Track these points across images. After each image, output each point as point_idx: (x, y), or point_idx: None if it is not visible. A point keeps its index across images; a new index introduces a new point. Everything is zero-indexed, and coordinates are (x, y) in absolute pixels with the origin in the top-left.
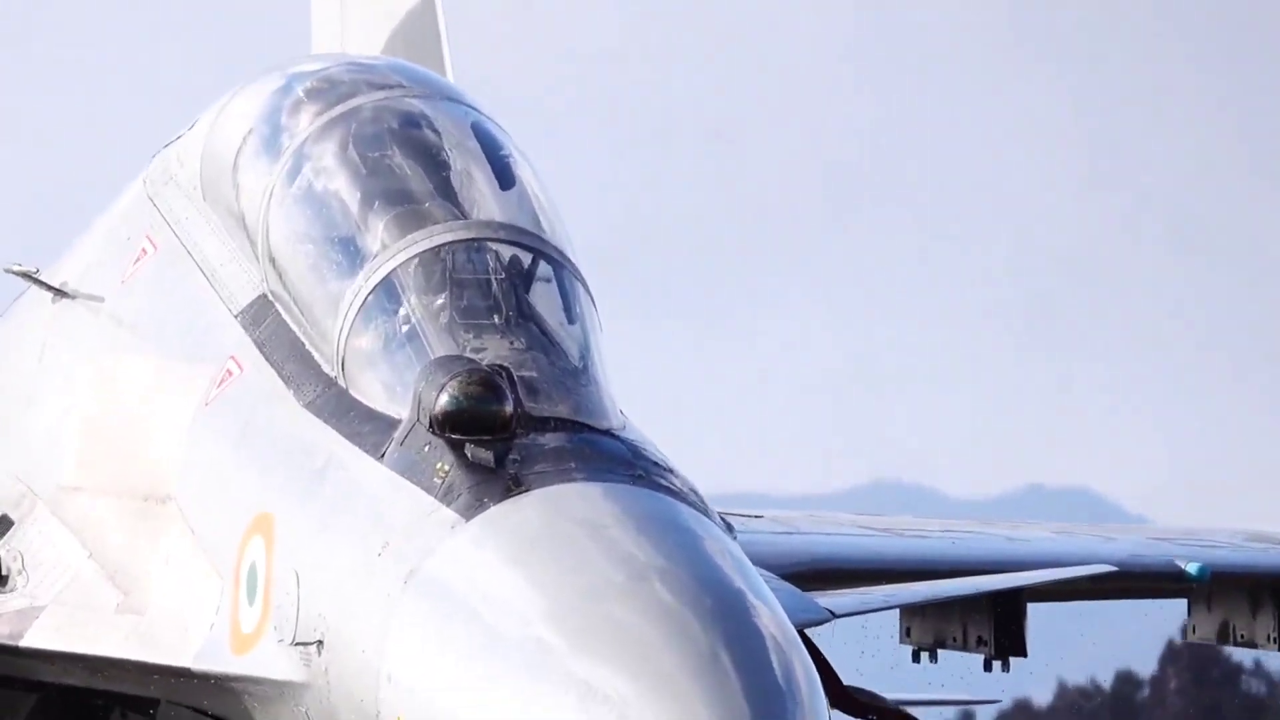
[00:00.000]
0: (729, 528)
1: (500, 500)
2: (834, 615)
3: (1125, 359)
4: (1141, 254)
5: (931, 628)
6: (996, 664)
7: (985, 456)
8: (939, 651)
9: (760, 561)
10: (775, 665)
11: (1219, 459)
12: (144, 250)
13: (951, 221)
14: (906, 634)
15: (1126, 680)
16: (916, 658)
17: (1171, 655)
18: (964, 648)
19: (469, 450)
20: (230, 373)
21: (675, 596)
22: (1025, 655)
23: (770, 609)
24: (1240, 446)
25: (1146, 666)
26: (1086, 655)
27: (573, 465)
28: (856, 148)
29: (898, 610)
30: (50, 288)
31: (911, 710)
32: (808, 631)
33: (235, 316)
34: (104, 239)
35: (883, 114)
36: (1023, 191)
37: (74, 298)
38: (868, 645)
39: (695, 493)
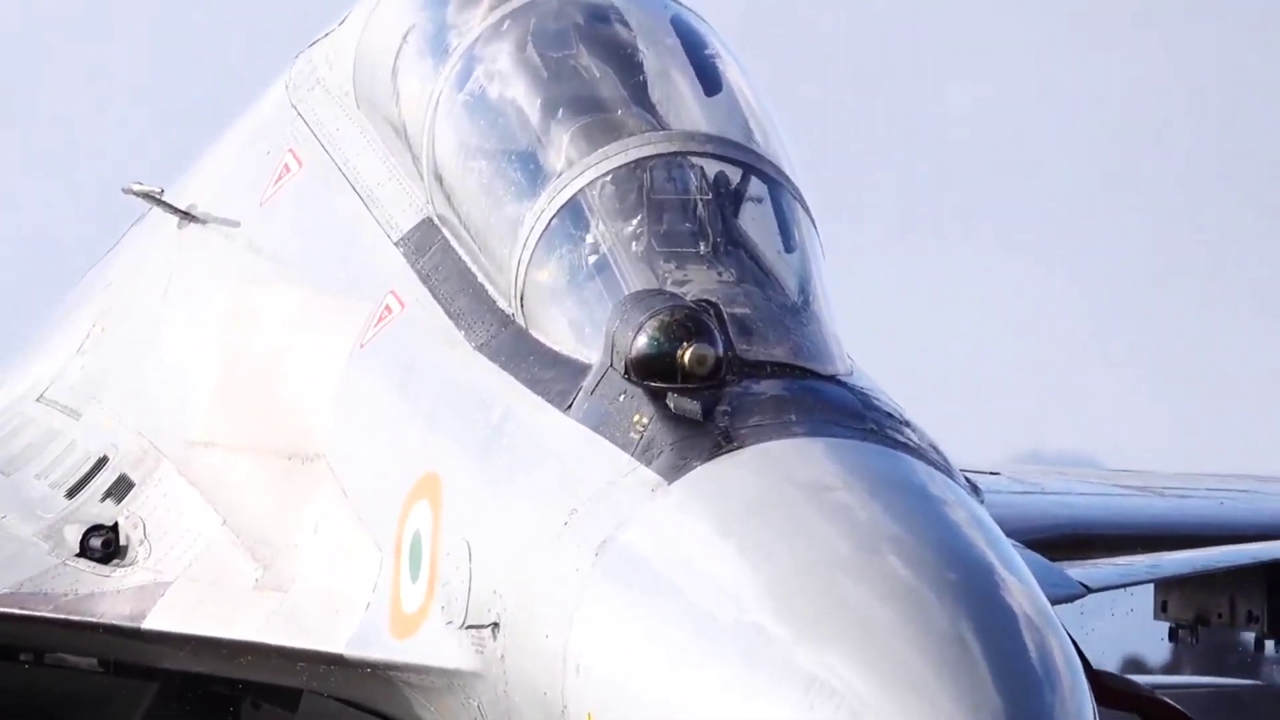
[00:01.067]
0: (975, 489)
1: (709, 459)
2: (1088, 590)
3: None
4: None
5: (1193, 601)
6: (1270, 643)
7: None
8: (1200, 628)
9: (1004, 526)
10: (1031, 652)
11: None
12: (286, 166)
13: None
14: (1163, 608)
15: None
16: (1174, 635)
17: None
18: (1231, 624)
19: (672, 400)
20: (390, 309)
21: (915, 572)
22: None
23: (1025, 586)
24: None
25: None
26: None
27: (793, 417)
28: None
29: (1153, 584)
30: (177, 210)
31: (1169, 696)
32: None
33: (395, 244)
34: (239, 153)
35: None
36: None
37: (204, 222)
38: (1117, 620)
39: (937, 449)
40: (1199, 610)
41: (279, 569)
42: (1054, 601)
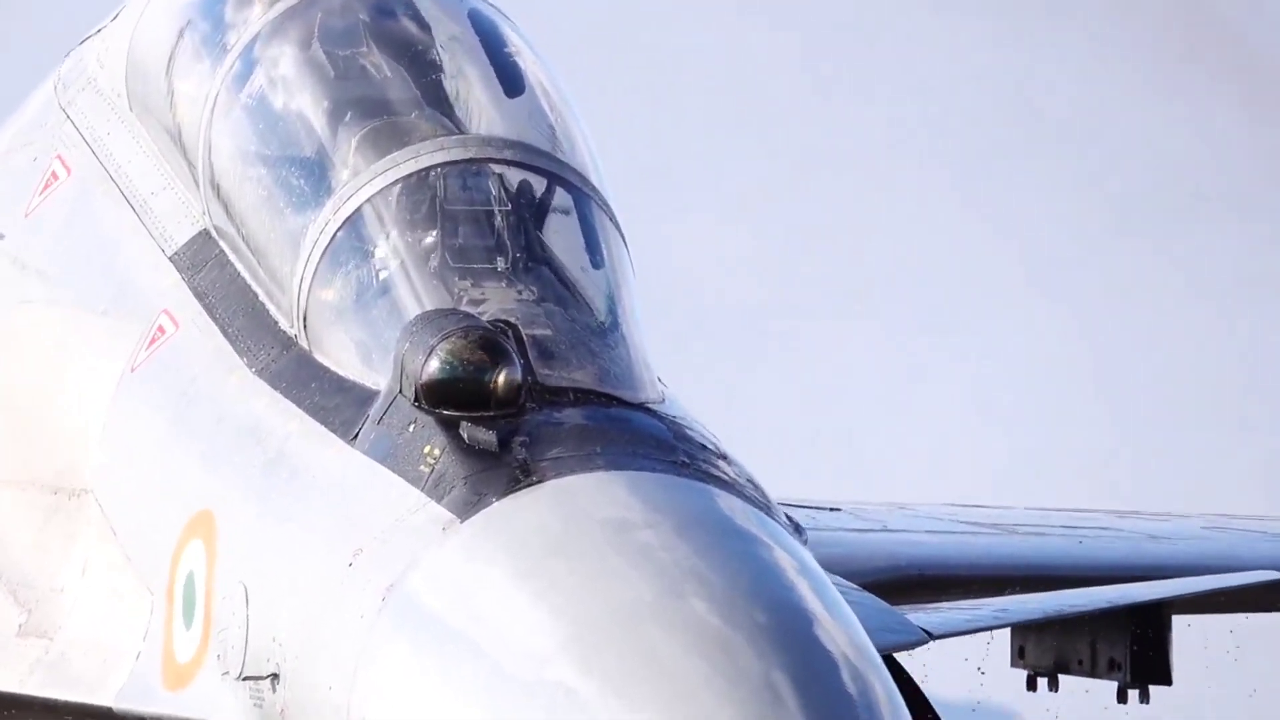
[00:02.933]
0: (797, 529)
1: (504, 494)
2: (931, 636)
3: None
4: None
5: (1052, 647)
6: (1133, 693)
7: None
8: (1060, 677)
9: (836, 566)
10: (852, 703)
11: None
12: (54, 174)
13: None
14: (1019, 655)
15: None
16: (1032, 685)
17: None
18: (1092, 673)
19: (465, 430)
20: (163, 330)
21: (725, 617)
22: (1170, 683)
23: (848, 630)
24: None
25: None
26: (1245, 682)
27: (597, 449)
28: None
29: (1009, 628)
30: None
31: None
32: (897, 656)
33: (170, 259)
34: (3, 160)
35: None
36: None
37: None
38: (971, 669)
39: (755, 484)
40: (1058, 656)
41: (43, 614)
42: (893, 648)
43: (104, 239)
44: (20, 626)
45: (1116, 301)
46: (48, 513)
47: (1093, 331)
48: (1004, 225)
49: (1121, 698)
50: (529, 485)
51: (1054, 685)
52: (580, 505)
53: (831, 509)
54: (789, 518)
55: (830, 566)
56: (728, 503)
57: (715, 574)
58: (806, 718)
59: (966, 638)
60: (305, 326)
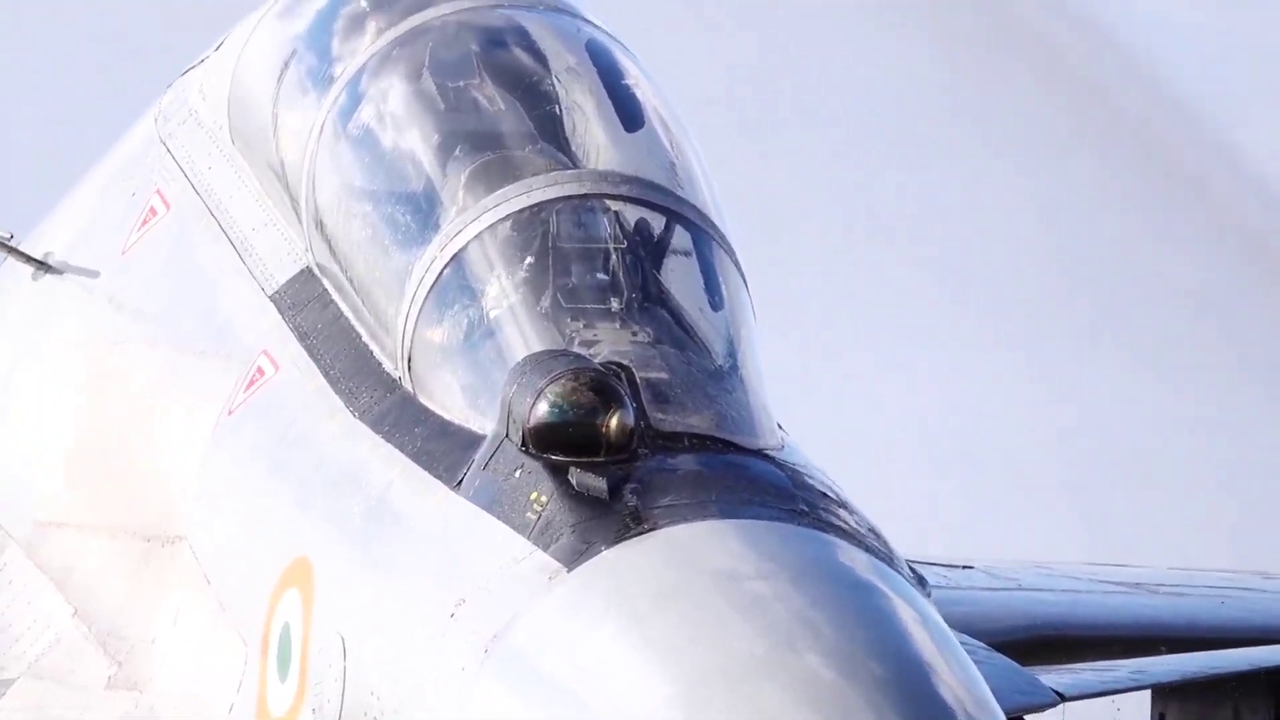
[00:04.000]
0: (922, 582)
1: (615, 543)
2: (1063, 698)
3: None
4: None
5: (1194, 712)
6: None
7: None
8: None
9: (966, 625)
10: None
11: None
12: (153, 210)
13: None
14: None
15: None
16: None
17: None
18: None
19: (574, 476)
20: (262, 371)
21: (842, 673)
22: None
23: (973, 690)
24: None
25: None
26: None
27: (712, 497)
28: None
29: (1149, 692)
30: (30, 259)
31: None
32: (1029, 719)
33: (270, 298)
34: (100, 195)
35: None
36: None
37: (61, 272)
38: None
39: (877, 534)
40: None
41: (134, 666)
42: (1022, 710)
43: (203, 277)
44: (110, 679)
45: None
46: (139, 561)
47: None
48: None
49: None
50: (639, 534)
51: None
52: (692, 555)
53: (964, 566)
54: (913, 570)
55: (961, 625)
56: (848, 554)
57: (831, 627)
58: None
59: (1103, 703)
60: (410, 368)
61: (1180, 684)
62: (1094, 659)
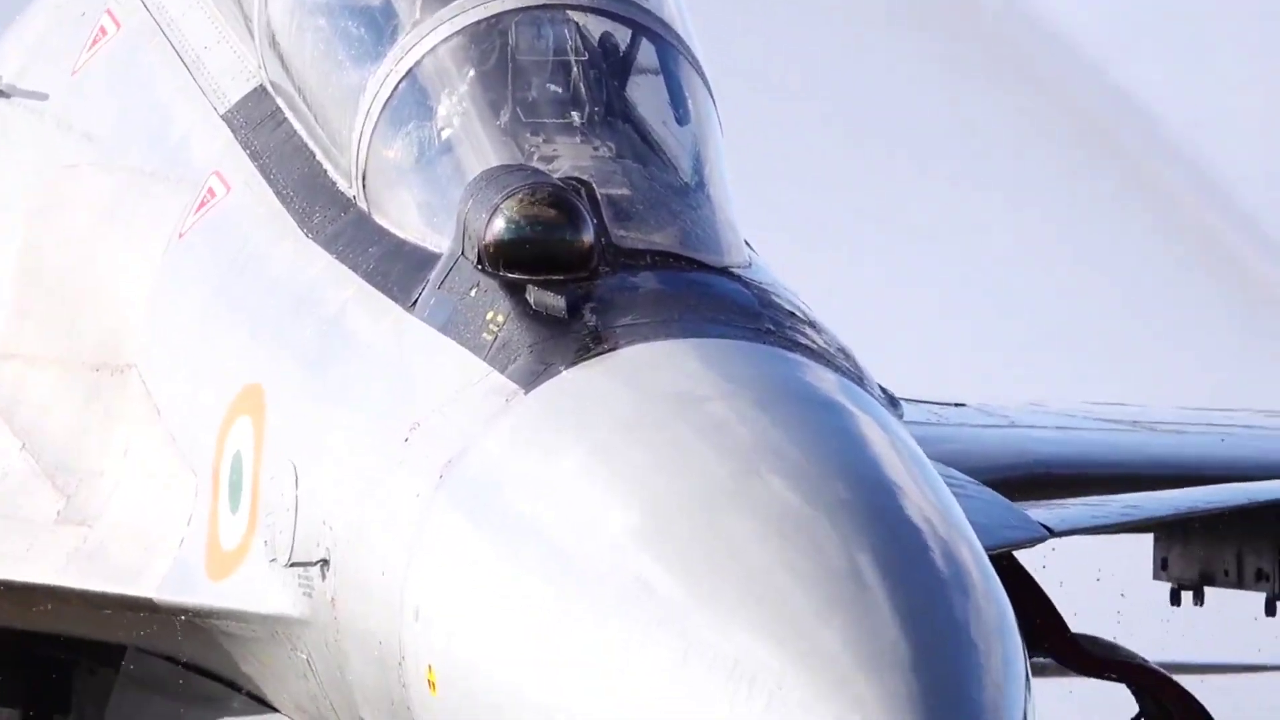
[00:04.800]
0: (894, 403)
1: (574, 363)
2: (1052, 533)
3: None
4: None
5: (1197, 558)
6: None
7: None
8: (1206, 590)
9: (957, 462)
10: (949, 592)
11: None
12: (103, 29)
13: None
14: (1163, 566)
15: None
16: (1176, 599)
17: None
18: (1239, 584)
19: (532, 295)
20: (213, 193)
21: (809, 498)
22: None
23: (946, 515)
24: None
25: None
26: None
27: (675, 315)
28: None
29: (1152, 537)
30: None
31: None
32: (1021, 557)
33: (223, 117)
34: (51, 16)
35: None
36: None
37: (8, 96)
38: (1107, 581)
39: (847, 354)
40: (1204, 568)
41: (83, 500)
42: (1011, 545)
43: (153, 97)
44: (58, 513)
45: None
46: (89, 391)
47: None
48: None
49: (1270, 610)
50: (599, 354)
51: (1199, 599)
52: (654, 376)
53: (956, 404)
54: (884, 390)
55: (951, 462)
56: (815, 373)
57: (797, 449)
58: (894, 605)
59: (1108, 549)
60: (364, 186)
61: (1175, 519)
62: (1087, 496)
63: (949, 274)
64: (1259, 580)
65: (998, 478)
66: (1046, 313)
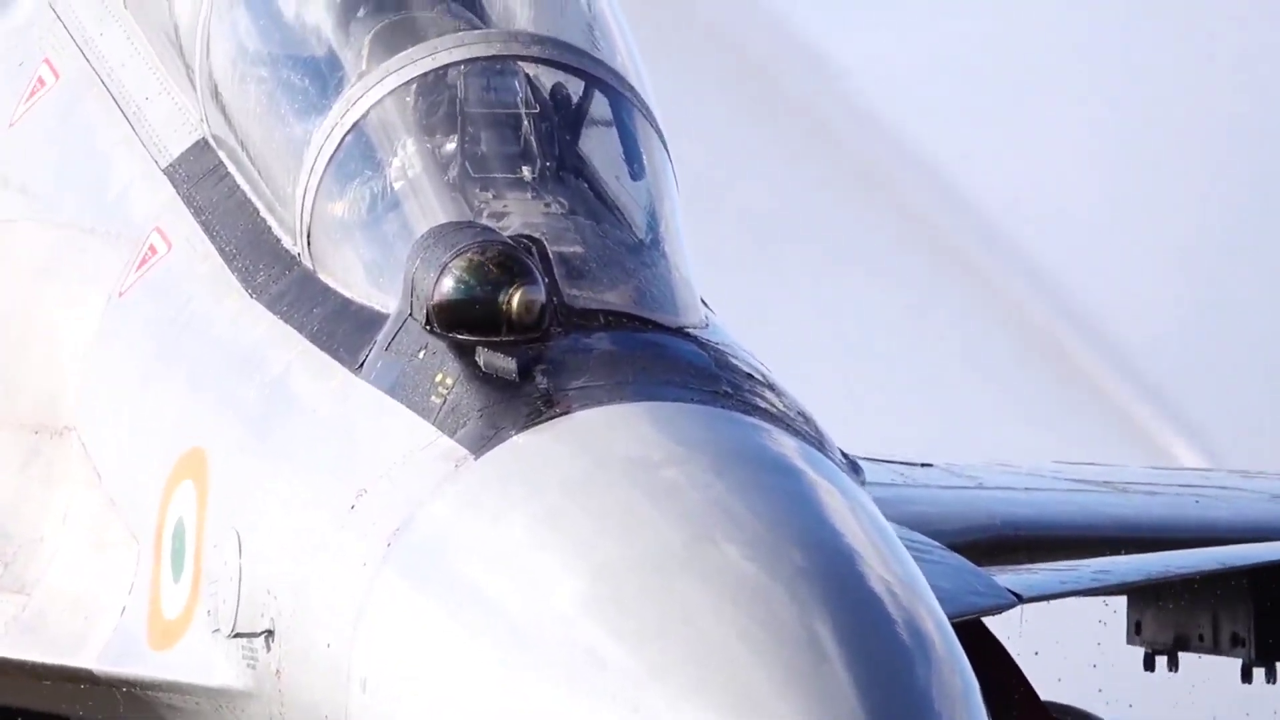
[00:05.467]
0: (855, 469)
1: (523, 429)
2: (1020, 599)
3: None
4: None
5: (1171, 622)
6: (1259, 671)
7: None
8: (1180, 655)
9: (923, 525)
10: (911, 665)
11: None
12: (41, 80)
13: None
14: (1136, 631)
15: None
16: (1150, 664)
17: None
18: (1214, 649)
19: (482, 357)
20: (155, 249)
21: (765, 567)
22: None
23: (908, 584)
24: None
25: None
26: None
27: (629, 378)
28: None
29: (1125, 600)
30: None
31: None
32: (990, 624)
33: (164, 171)
34: None
35: None
36: None
37: None
38: (1083, 647)
39: (806, 418)
40: (1178, 631)
41: (21, 567)
42: (978, 612)
43: (93, 149)
44: None
45: None
46: (27, 454)
47: None
48: None
49: (1246, 677)
50: (551, 418)
51: (1174, 665)
52: (607, 440)
53: (923, 464)
54: (845, 455)
55: (918, 525)
56: (774, 438)
57: (753, 515)
58: (853, 676)
59: (1084, 614)
60: (309, 244)
61: (1147, 584)
62: (1058, 560)
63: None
64: (1234, 645)
65: (965, 540)
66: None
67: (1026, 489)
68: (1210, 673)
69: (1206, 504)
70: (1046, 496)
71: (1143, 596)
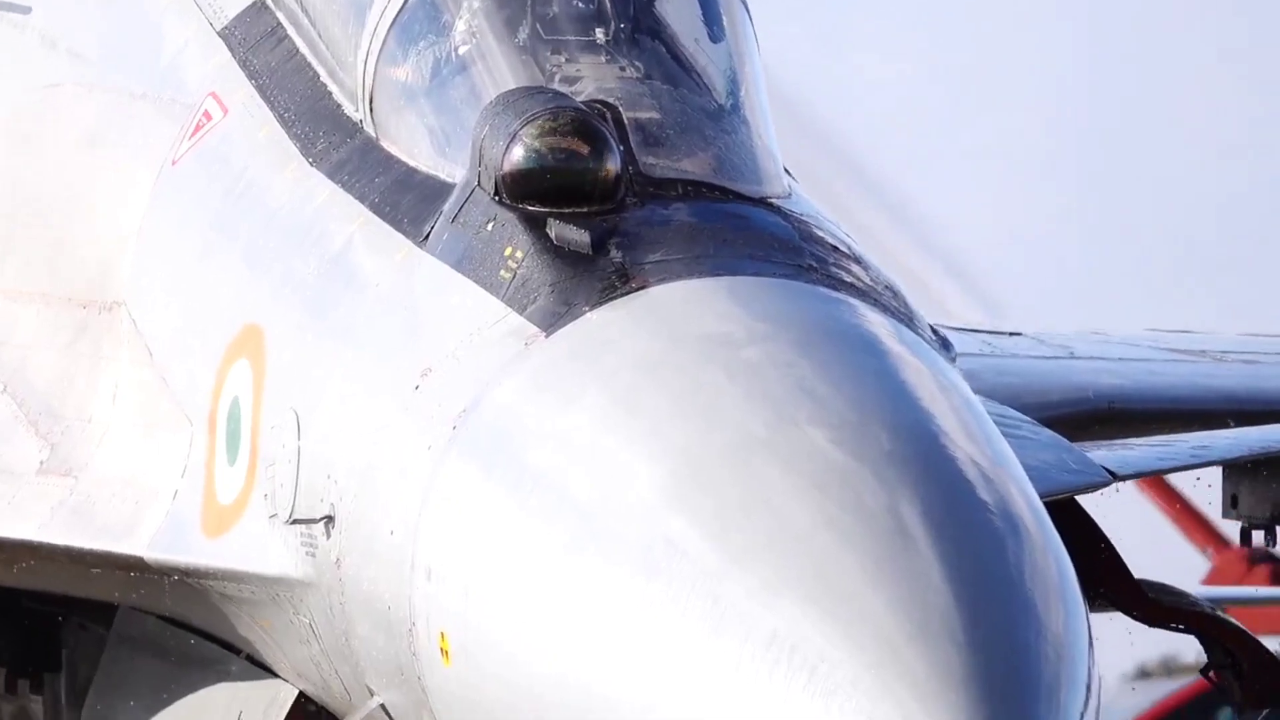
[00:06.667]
0: (946, 345)
1: (597, 304)
2: (1116, 476)
3: None
4: None
5: (1269, 495)
6: None
7: None
8: (1279, 529)
9: (1012, 398)
10: (1002, 549)
11: None
12: None
13: None
14: (1232, 504)
15: None
16: (1246, 538)
17: None
18: None
19: (553, 229)
20: (209, 116)
21: (851, 450)
22: None
23: (1002, 468)
24: None
25: None
26: None
27: (708, 251)
28: None
29: (1220, 471)
30: None
31: (1237, 614)
32: (1083, 500)
33: (219, 34)
34: None
35: None
36: None
37: None
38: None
39: (895, 292)
40: (1275, 506)
41: (68, 449)
42: (1073, 491)
43: (144, 12)
44: (42, 463)
45: None
46: (75, 330)
47: None
48: None
49: None
50: (626, 294)
51: (1271, 539)
52: (685, 318)
53: (1011, 333)
54: (935, 331)
55: (1006, 398)
56: (860, 313)
57: (839, 396)
58: (943, 565)
59: (1174, 483)
60: (372, 110)
61: (1248, 460)
62: (1153, 434)
63: None
64: None
65: (1056, 414)
66: None
67: (1120, 359)
68: None
69: None
70: (1140, 367)
71: (1239, 469)
